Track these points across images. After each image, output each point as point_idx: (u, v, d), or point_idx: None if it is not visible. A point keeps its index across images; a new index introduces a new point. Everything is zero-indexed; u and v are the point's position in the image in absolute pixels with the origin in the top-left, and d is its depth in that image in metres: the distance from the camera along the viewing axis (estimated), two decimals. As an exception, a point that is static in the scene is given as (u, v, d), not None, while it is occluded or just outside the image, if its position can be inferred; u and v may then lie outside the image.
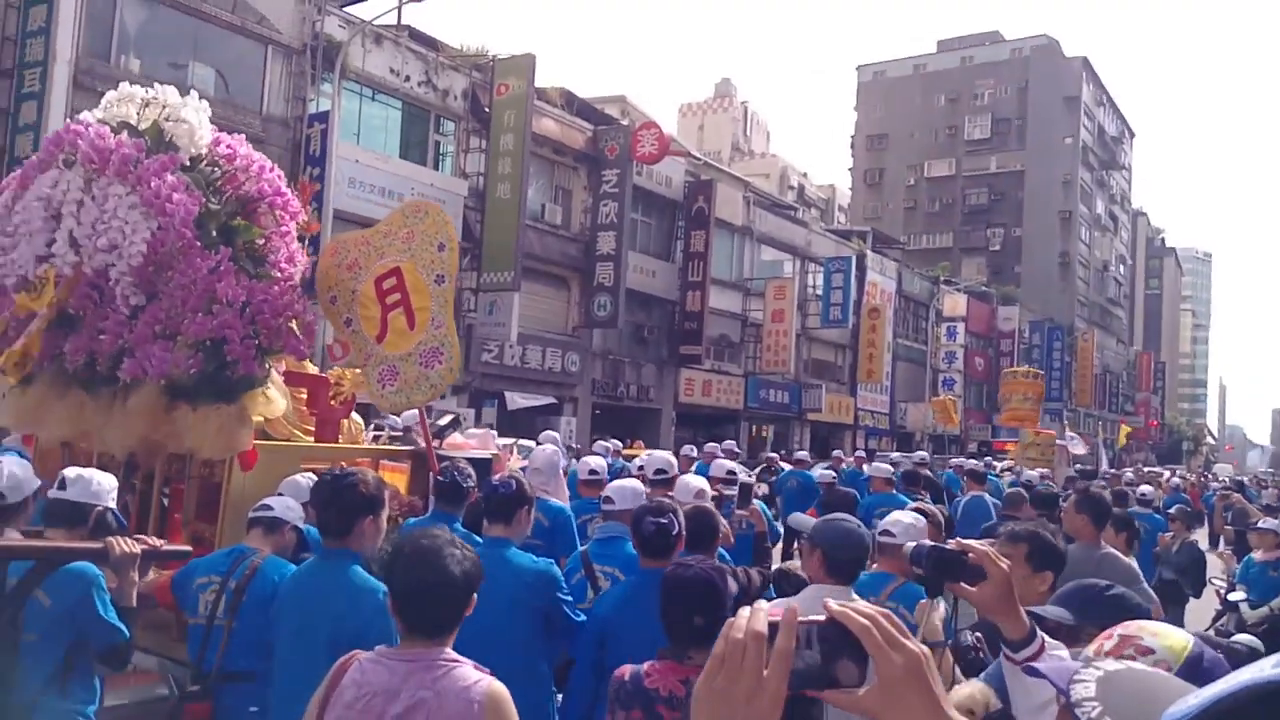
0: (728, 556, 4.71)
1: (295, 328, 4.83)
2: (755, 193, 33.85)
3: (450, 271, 5.50)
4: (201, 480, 4.96)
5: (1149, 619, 2.56)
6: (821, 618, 1.01)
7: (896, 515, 4.41)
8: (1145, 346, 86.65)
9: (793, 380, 33.17)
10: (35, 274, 4.57)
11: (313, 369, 5.79)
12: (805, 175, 59.29)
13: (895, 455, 22.38)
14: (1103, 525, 5.51)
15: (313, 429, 5.53)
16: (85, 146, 4.56)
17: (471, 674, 2.47)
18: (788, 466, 16.04)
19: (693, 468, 11.45)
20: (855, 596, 3.61)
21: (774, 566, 6.00)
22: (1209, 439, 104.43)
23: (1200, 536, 11.96)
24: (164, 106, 4.87)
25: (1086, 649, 1.75)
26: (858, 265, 35.60)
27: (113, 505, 3.79)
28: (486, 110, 22.35)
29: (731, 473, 7.29)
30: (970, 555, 2.18)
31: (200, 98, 5.07)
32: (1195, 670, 1.56)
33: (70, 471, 3.79)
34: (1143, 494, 12.61)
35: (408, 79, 21.19)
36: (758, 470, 13.58)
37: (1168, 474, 28.32)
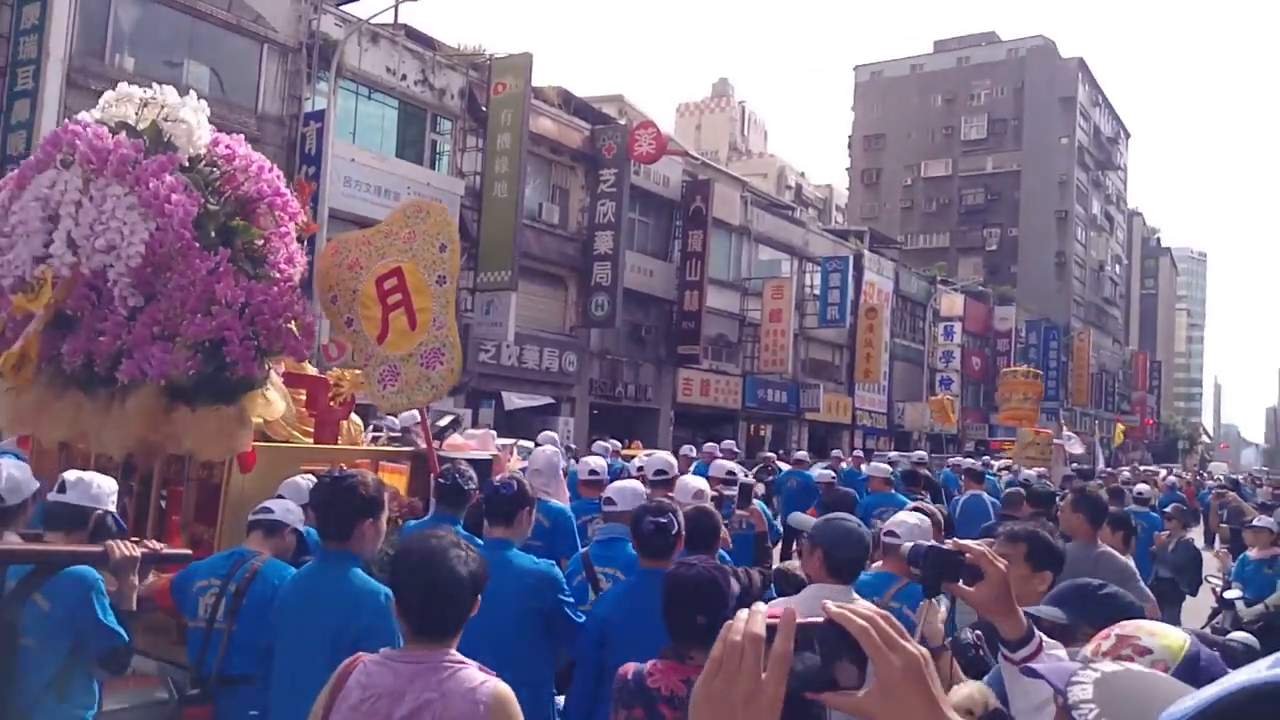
0: (728, 557, 4.71)
1: (295, 329, 4.81)
2: (753, 192, 33.88)
3: (452, 272, 5.48)
4: (200, 482, 4.93)
5: (1143, 617, 2.57)
6: (820, 620, 1.00)
7: (901, 516, 4.40)
8: (1141, 346, 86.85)
9: (790, 380, 33.19)
10: (32, 275, 4.55)
11: (312, 370, 5.76)
12: (803, 175, 59.34)
13: (893, 454, 22.40)
14: (1099, 524, 5.53)
15: (312, 430, 5.50)
16: (83, 147, 4.53)
17: (477, 675, 2.47)
18: (785, 466, 16.04)
19: (691, 468, 11.45)
20: (856, 596, 3.62)
21: (773, 566, 5.99)
22: (1204, 438, 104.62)
23: (1196, 535, 11.99)
24: (162, 107, 4.85)
25: (1084, 649, 1.75)
26: (855, 265, 35.63)
27: (113, 509, 3.77)
28: (483, 109, 22.34)
29: (731, 473, 7.29)
30: (967, 555, 2.19)
31: (195, 97, 5.04)
32: (1193, 669, 1.56)
33: (70, 474, 3.77)
34: (1139, 492, 12.63)
35: (404, 78, 21.17)
36: (754, 470, 13.60)
37: (1164, 473, 28.36)
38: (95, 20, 16.35)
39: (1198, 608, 9.75)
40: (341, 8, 20.27)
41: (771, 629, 0.98)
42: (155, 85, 5.03)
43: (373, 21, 20.10)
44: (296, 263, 4.93)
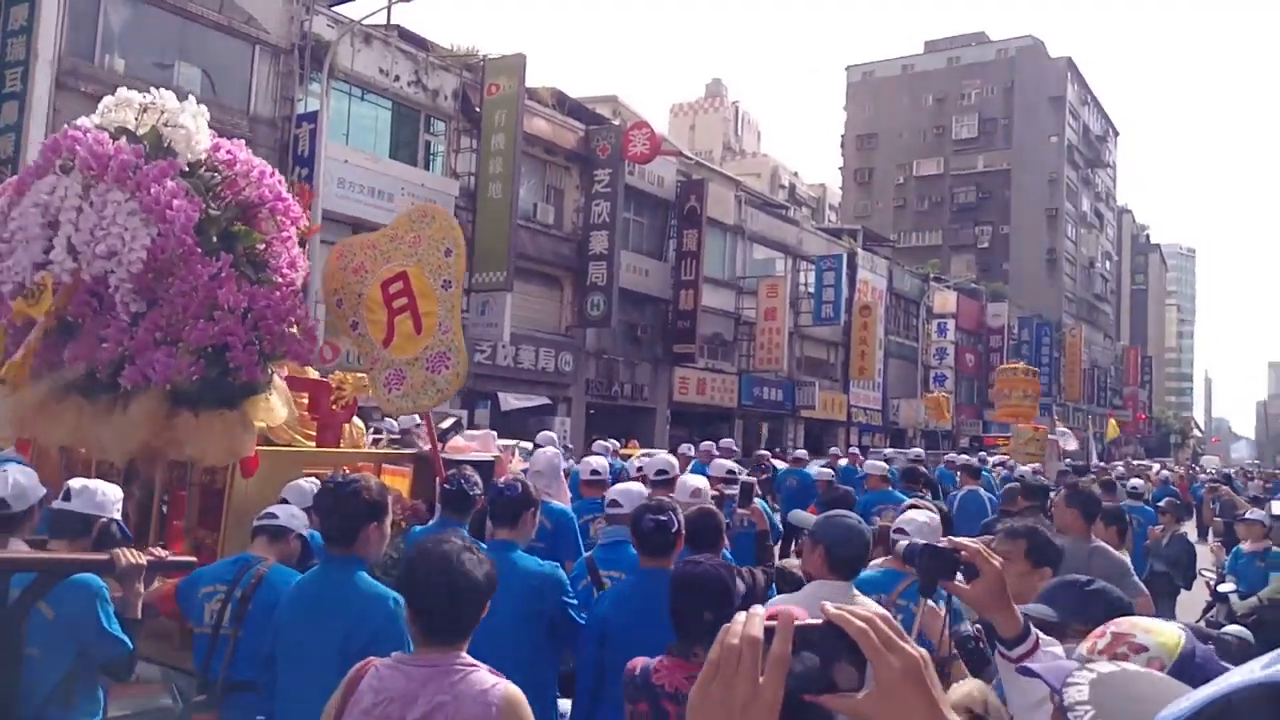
0: (730, 556, 4.72)
1: (298, 333, 4.81)
2: (747, 192, 33.89)
3: (457, 277, 5.48)
4: (203, 487, 4.92)
5: (1131, 612, 2.59)
6: (818, 621, 0.99)
7: (911, 514, 4.38)
8: (1132, 341, 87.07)
9: (786, 378, 33.21)
10: (33, 281, 4.54)
11: (314, 373, 5.74)
12: (796, 174, 59.30)
13: (889, 451, 22.45)
14: (1093, 520, 5.51)
15: (314, 434, 5.50)
16: (83, 152, 4.52)
17: (488, 678, 2.49)
18: (779, 463, 16.06)
19: (689, 467, 11.45)
20: (856, 593, 3.64)
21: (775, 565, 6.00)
22: (1196, 432, 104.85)
23: (1189, 529, 12.04)
24: (162, 112, 4.84)
25: (1080, 647, 1.75)
26: (849, 263, 35.68)
27: (117, 516, 3.76)
28: (477, 110, 22.29)
29: (731, 472, 7.30)
30: (963, 553, 2.19)
31: (195, 101, 5.03)
32: (1188, 666, 1.57)
33: (75, 483, 3.77)
34: (1133, 487, 12.66)
35: (397, 79, 21.12)
36: (749, 468, 13.60)
37: (1156, 467, 28.45)
38: (84, 21, 16.20)
39: (1192, 601, 9.78)
40: (334, 9, 20.16)
41: (769, 631, 0.96)
42: (153, 90, 5.03)
43: (365, 22, 20.04)
44: (299, 267, 4.93)
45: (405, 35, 22.03)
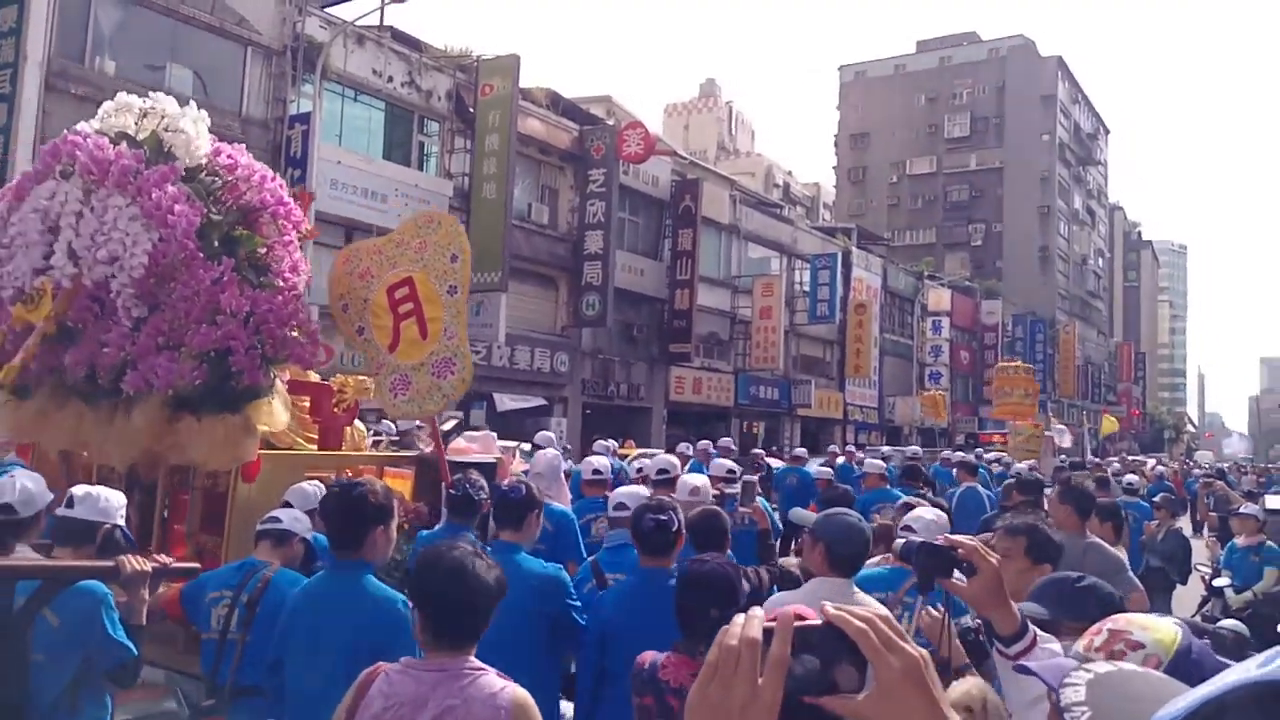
0: (732, 556, 4.74)
1: (300, 336, 4.82)
2: (741, 191, 33.87)
3: (463, 282, 5.51)
4: (205, 491, 4.93)
5: (1123, 606, 2.60)
6: (818, 622, 0.97)
7: (919, 511, 4.39)
8: (1125, 338, 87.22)
9: (782, 376, 33.23)
10: (32, 286, 4.54)
11: (315, 377, 5.75)
12: (790, 174, 59.38)
13: (887, 449, 22.46)
14: (1086, 516, 5.49)
15: (316, 437, 5.51)
16: (84, 158, 4.52)
17: (496, 681, 2.53)
18: (775, 462, 16.04)
19: (687, 466, 11.45)
20: (856, 590, 3.66)
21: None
22: (1189, 427, 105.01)
23: (1184, 524, 12.06)
24: (162, 116, 4.84)
25: (1076, 644, 1.75)
26: (843, 262, 35.69)
27: (121, 523, 3.76)
28: (471, 111, 22.26)
29: (731, 471, 7.33)
30: (960, 550, 2.18)
31: (177, 99, 5.05)
32: (1184, 662, 1.58)
33: (79, 489, 3.77)
34: (1128, 483, 12.68)
35: (390, 80, 21.08)
36: (743, 468, 13.58)
37: (1152, 463, 28.50)
38: (74, 23, 16.07)
39: (1188, 596, 9.82)
40: (326, 10, 20.13)
41: (768, 633, 0.95)
42: (152, 94, 5.02)
43: (358, 23, 20.01)
44: (301, 271, 4.93)
45: (398, 36, 21.99)
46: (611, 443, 14.46)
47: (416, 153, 22.03)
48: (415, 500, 5.54)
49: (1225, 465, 36.42)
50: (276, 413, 4.71)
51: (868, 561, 4.29)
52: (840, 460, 17.05)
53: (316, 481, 4.61)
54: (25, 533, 3.54)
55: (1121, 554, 5.84)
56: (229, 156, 4.91)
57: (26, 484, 3.58)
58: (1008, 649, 2.14)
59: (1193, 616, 7.45)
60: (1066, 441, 26.45)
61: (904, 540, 2.38)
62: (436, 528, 5.09)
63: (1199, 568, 9.98)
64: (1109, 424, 53.98)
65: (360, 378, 5.86)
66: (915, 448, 22.36)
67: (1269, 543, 8.54)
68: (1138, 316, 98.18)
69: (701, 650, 2.98)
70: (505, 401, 22.43)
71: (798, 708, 0.94)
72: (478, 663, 2.57)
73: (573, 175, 25.39)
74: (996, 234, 67.43)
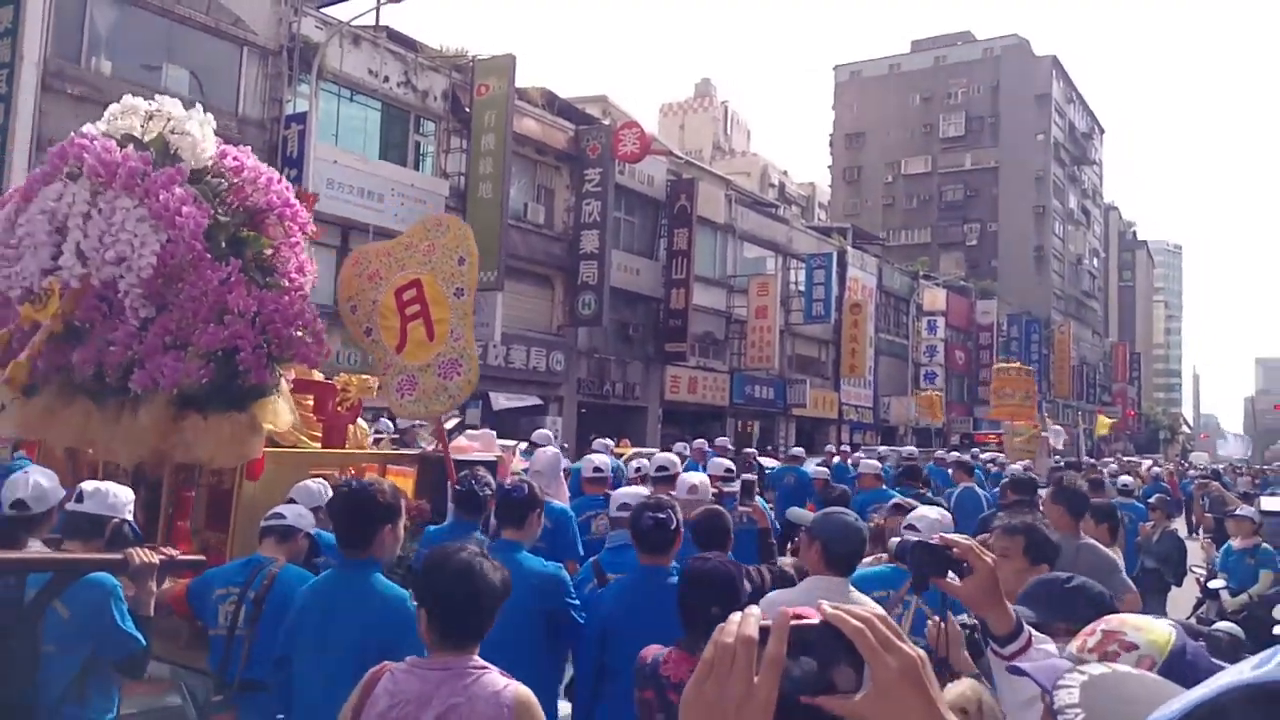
0: (731, 556, 4.76)
1: (306, 336, 4.86)
2: (737, 191, 33.85)
3: (470, 285, 5.58)
4: (210, 488, 4.98)
5: (1113, 607, 2.60)
6: (815, 621, 0.97)
7: (923, 510, 4.40)
8: (1120, 338, 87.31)
9: (777, 376, 33.22)
10: (40, 286, 4.60)
11: (319, 376, 5.80)
12: (785, 173, 59.32)
13: (883, 449, 22.48)
14: (1079, 516, 5.50)
15: (319, 435, 5.56)
16: (91, 160, 4.56)
17: (500, 680, 2.57)
18: (766, 461, 16.05)
19: (682, 467, 11.45)
20: (852, 589, 3.67)
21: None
22: (1184, 428, 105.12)
23: (1179, 525, 12.09)
24: (168, 119, 4.89)
25: (1070, 645, 1.75)
26: (839, 261, 35.66)
27: (129, 517, 3.82)
28: (467, 110, 22.25)
29: (730, 470, 7.36)
30: (955, 550, 2.17)
31: (173, 100, 5.09)
32: (1179, 663, 1.58)
33: (88, 485, 3.83)
34: (1123, 484, 12.67)
35: (386, 79, 21.05)
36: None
37: (1148, 463, 28.55)
38: (71, 23, 16.04)
39: (1183, 598, 9.83)
40: (322, 10, 20.08)
41: (765, 631, 0.95)
42: (159, 97, 5.07)
43: (354, 23, 19.98)
44: (307, 271, 4.99)
45: (394, 36, 21.97)
46: (609, 441, 14.50)
47: (412, 152, 22.01)
48: (417, 498, 5.58)
49: (1221, 466, 36.51)
50: (281, 411, 4.77)
51: (862, 561, 4.32)
52: (835, 460, 17.05)
53: (321, 479, 4.67)
54: (38, 528, 3.60)
55: (1116, 555, 5.85)
56: (235, 158, 4.96)
57: (40, 480, 3.65)
58: (1002, 649, 2.13)
59: (1187, 618, 7.45)
60: (1060, 443, 26.47)
61: (899, 539, 2.37)
62: (444, 524, 5.14)
63: (1194, 569, 9.99)
64: (1103, 424, 54.05)
65: (363, 377, 5.93)
66: (911, 448, 22.39)
67: (1264, 545, 8.55)
68: (1133, 316, 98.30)
69: (702, 647, 3.01)
70: (500, 400, 22.40)
71: (795, 707, 0.94)
72: (481, 661, 2.60)
73: (568, 175, 25.38)
74: (991, 234, 67.50)
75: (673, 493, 5.38)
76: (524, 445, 9.87)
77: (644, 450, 15.33)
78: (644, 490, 5.50)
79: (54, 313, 4.54)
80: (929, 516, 4.21)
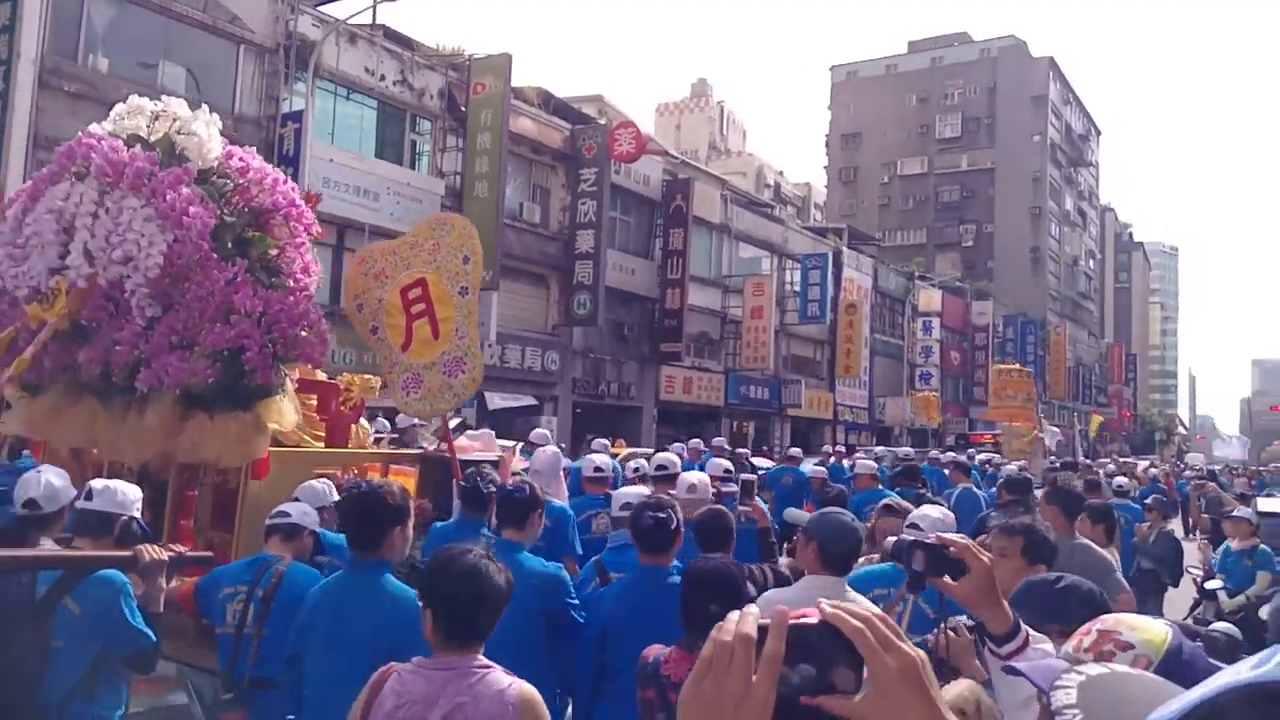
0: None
1: (310, 335, 4.91)
2: (732, 191, 33.88)
3: (475, 284, 5.63)
4: (215, 488, 5.02)
5: (1105, 603, 2.59)
6: (814, 621, 0.96)
7: (925, 510, 4.41)
8: (1116, 339, 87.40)
9: (772, 376, 33.23)
10: (47, 285, 4.64)
11: (322, 375, 5.86)
12: (781, 174, 59.31)
13: (880, 450, 22.50)
14: (1074, 517, 5.50)
15: (323, 434, 5.60)
16: (99, 159, 4.60)
17: (504, 678, 2.61)
18: (759, 461, 16.05)
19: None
20: (849, 588, 3.67)
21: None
22: (1180, 429, 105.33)
23: (1175, 526, 12.08)
24: (174, 119, 4.93)
25: (1066, 645, 1.75)
26: (834, 262, 35.70)
27: (138, 515, 3.87)
28: (463, 109, 22.26)
29: (729, 470, 7.39)
30: (951, 549, 2.16)
31: (170, 98, 5.13)
32: (1175, 662, 1.57)
33: (97, 483, 3.87)
34: (1118, 485, 12.67)
35: (383, 78, 21.04)
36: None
37: (1145, 464, 28.59)
38: (68, 20, 16.06)
39: (1180, 599, 9.82)
40: (319, 8, 20.08)
41: (763, 630, 0.94)
42: (165, 98, 5.11)
43: (350, 22, 19.98)
44: (312, 272, 5.04)
45: (390, 35, 21.96)
46: (606, 442, 14.50)
47: (408, 151, 22.01)
48: (419, 497, 5.61)
49: (1217, 467, 36.57)
50: (287, 411, 4.82)
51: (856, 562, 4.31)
52: (831, 460, 17.05)
53: (325, 479, 4.73)
54: (50, 527, 3.64)
55: (1113, 556, 5.84)
56: (241, 159, 5.00)
57: (52, 480, 3.70)
58: (999, 649, 2.12)
59: (1184, 619, 7.46)
60: (1054, 444, 26.53)
61: (897, 539, 2.35)
62: (450, 521, 5.20)
63: (1190, 570, 9.98)
64: (1093, 423, 54.20)
65: (366, 377, 5.98)
66: (907, 449, 22.42)
67: (1262, 546, 8.55)
68: (1129, 318, 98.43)
69: (701, 646, 3.00)
70: (496, 400, 22.38)
71: (794, 708, 0.93)
72: (485, 660, 2.65)
73: (564, 174, 25.39)
74: (987, 235, 67.56)
75: (672, 491, 5.41)
76: (522, 445, 9.91)
77: (639, 450, 15.32)
78: (645, 490, 5.52)
79: (61, 312, 4.58)
80: (931, 516, 4.22)
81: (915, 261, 53.39)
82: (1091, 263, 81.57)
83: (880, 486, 10.26)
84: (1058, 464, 22.00)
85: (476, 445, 6.78)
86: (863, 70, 74.56)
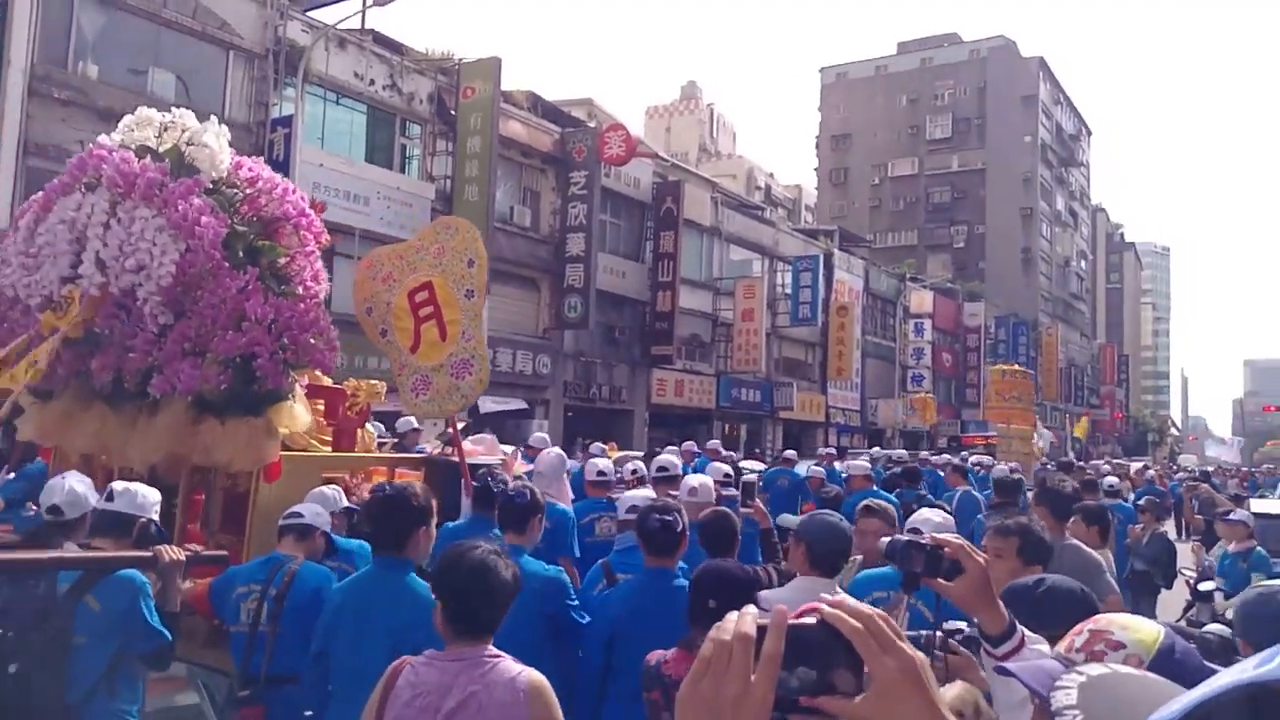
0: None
1: (319, 342, 4.99)
2: (723, 193, 33.92)
3: (479, 286, 5.73)
4: (225, 492, 5.11)
5: (1091, 601, 2.58)
6: (812, 621, 0.96)
7: (926, 513, 4.43)
8: (1108, 340, 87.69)
9: (764, 379, 33.26)
10: (60, 294, 4.75)
11: (328, 381, 5.93)
12: (772, 175, 59.49)
13: (876, 451, 22.53)
14: (1063, 518, 5.50)
15: (329, 439, 5.68)
16: (110, 171, 4.69)
17: (514, 667, 2.74)
18: (752, 464, 16.03)
19: (675, 468, 11.43)
20: (839, 590, 3.68)
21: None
22: (1173, 430, 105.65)
23: (1168, 527, 12.08)
24: (183, 130, 5.03)
25: (1058, 646, 1.73)
26: (825, 264, 35.77)
27: (155, 517, 3.97)
28: (453, 113, 22.28)
29: (728, 475, 7.43)
30: (946, 549, 2.15)
31: (159, 104, 5.25)
32: (1167, 662, 1.56)
33: (118, 485, 3.97)
34: (1109, 485, 12.67)
35: (372, 83, 21.05)
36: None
37: (1139, 465, 28.65)
38: (57, 28, 16.08)
39: (1173, 600, 9.82)
40: (308, 13, 20.10)
41: (762, 629, 0.94)
42: (174, 110, 5.21)
43: (340, 27, 20.02)
44: (321, 280, 5.13)
45: (380, 39, 21.98)
46: (602, 445, 14.52)
47: (398, 155, 22.02)
48: (425, 499, 5.72)
49: (1210, 468, 36.69)
50: (298, 415, 4.93)
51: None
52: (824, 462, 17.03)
53: (335, 486, 4.87)
54: (72, 532, 3.75)
55: (1106, 557, 5.82)
56: (250, 170, 5.12)
57: (75, 487, 3.81)
58: (995, 650, 2.11)
59: (1178, 621, 7.45)
60: (1046, 445, 26.59)
61: (891, 539, 2.34)
62: (460, 521, 5.27)
63: (1184, 572, 9.98)
64: (1080, 427, 54.42)
65: (371, 382, 6.03)
66: (901, 450, 22.45)
67: (1259, 549, 8.53)
68: (1120, 318, 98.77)
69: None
70: (487, 404, 22.32)
71: (795, 710, 0.93)
72: (495, 651, 2.77)
73: (554, 177, 25.40)
74: (979, 236, 67.67)
75: (674, 493, 5.46)
76: (522, 450, 9.96)
77: (631, 454, 15.29)
78: (651, 494, 5.58)
79: (74, 320, 4.69)
80: (933, 519, 4.23)
81: (906, 263, 53.48)
82: (1083, 263, 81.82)
83: (874, 487, 10.25)
84: (1050, 465, 22.02)
85: (480, 449, 6.88)
86: (852, 71, 74.68)
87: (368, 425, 6.26)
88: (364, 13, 19.78)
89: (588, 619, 4.36)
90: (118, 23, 17.02)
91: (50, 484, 3.89)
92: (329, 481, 5.01)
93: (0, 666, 3.27)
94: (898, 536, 2.39)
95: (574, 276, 24.78)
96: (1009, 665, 1.47)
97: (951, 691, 2.60)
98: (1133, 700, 1.05)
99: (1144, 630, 1.66)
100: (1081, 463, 27.53)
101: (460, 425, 7.27)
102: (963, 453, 23.91)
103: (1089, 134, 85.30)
